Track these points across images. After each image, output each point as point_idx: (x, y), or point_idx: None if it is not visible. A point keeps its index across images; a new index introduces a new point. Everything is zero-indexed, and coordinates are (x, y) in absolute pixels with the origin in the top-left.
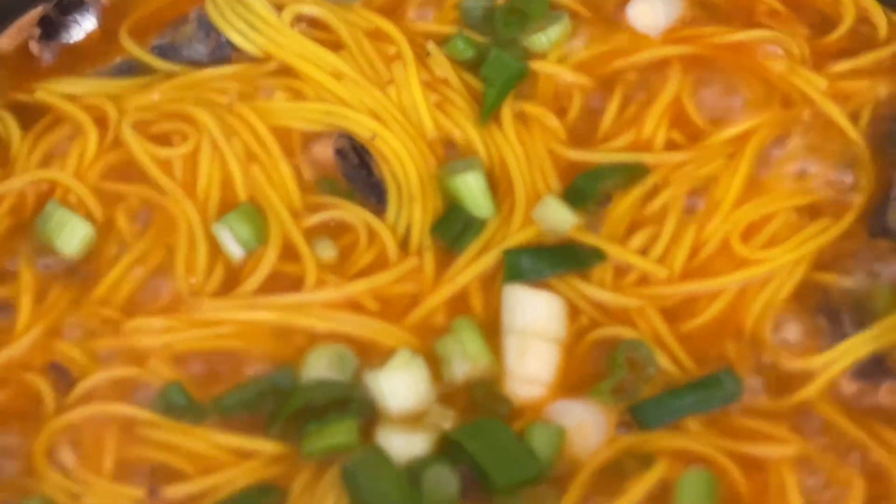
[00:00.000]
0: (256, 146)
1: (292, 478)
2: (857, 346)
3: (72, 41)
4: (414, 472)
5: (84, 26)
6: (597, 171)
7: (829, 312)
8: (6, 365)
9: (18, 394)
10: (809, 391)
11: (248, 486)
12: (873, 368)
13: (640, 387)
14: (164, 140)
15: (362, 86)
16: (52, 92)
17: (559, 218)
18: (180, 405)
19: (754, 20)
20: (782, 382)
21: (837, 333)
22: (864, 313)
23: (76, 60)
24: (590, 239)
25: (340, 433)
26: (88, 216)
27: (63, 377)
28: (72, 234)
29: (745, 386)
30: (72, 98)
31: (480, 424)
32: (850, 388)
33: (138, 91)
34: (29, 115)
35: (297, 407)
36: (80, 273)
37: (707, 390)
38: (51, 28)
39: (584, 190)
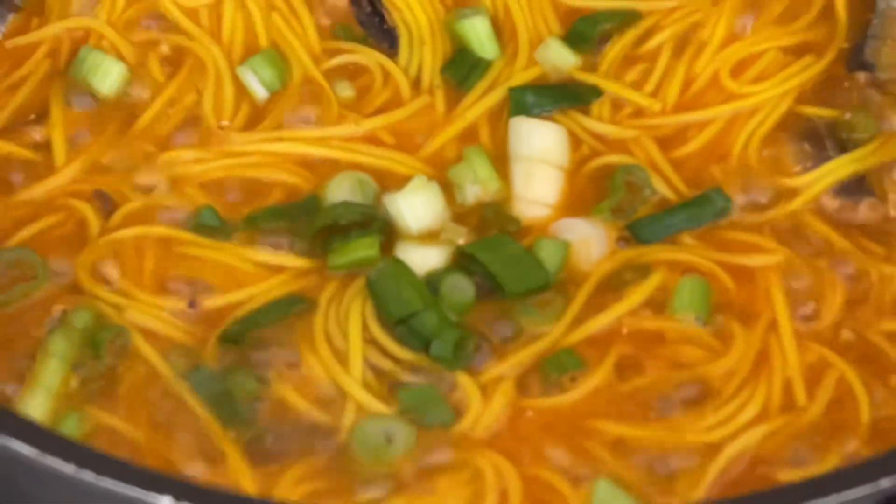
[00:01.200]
0: None
1: (320, 290)
2: (840, 167)
3: None
4: (432, 281)
5: None
6: (595, 16)
7: (812, 138)
8: (53, 193)
9: (67, 218)
10: (795, 204)
11: (279, 296)
12: (854, 187)
13: (637, 207)
14: None
15: None
16: None
17: (560, 58)
18: (213, 226)
19: None
20: (769, 199)
21: (821, 157)
22: (845, 139)
23: None
24: (588, 77)
25: (363, 248)
26: (121, 59)
27: (106, 203)
28: (107, 73)
29: (734, 203)
30: None
31: (492, 239)
32: (832, 204)
33: None
34: None
35: (322, 225)
36: (117, 112)
37: (699, 207)
38: None
39: (583, 32)
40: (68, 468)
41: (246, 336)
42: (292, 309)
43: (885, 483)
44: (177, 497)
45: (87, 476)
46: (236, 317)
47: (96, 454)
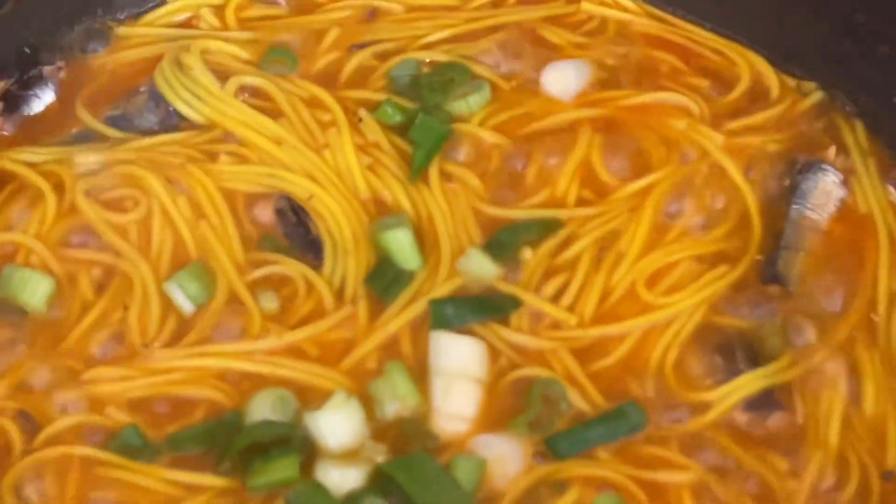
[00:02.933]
0: (206, 204)
1: None
2: (750, 382)
3: (32, 113)
4: (350, 503)
5: (43, 99)
6: (515, 226)
7: (724, 351)
8: None
9: None
10: (706, 420)
11: None
12: (763, 401)
13: (554, 420)
14: (117, 205)
15: (300, 150)
16: (14, 160)
17: (482, 269)
18: (136, 446)
19: (658, 82)
20: (682, 414)
21: (732, 370)
22: (756, 352)
23: (36, 131)
24: (508, 288)
25: (283, 468)
26: (51, 274)
27: (29, 423)
28: (35, 289)
29: (649, 418)
30: (31, 165)
31: (409, 458)
32: (742, 418)
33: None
34: None
35: (243, 445)
36: (45, 329)
37: (614, 421)
38: (12, 101)
39: (504, 242)
40: None
41: None
42: None
43: None
44: None
45: None
46: None
47: None
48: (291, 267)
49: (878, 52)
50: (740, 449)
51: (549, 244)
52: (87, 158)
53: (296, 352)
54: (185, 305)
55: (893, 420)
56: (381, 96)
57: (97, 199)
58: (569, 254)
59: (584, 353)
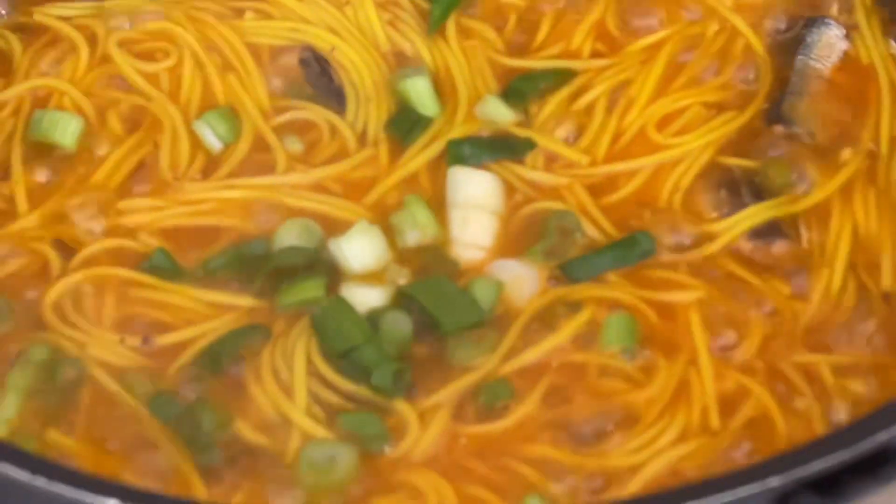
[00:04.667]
0: (233, 58)
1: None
2: (755, 214)
3: None
4: (373, 318)
5: None
6: (531, 74)
7: (730, 187)
8: (16, 239)
9: (30, 262)
10: (714, 247)
11: (235, 328)
12: (767, 230)
13: (568, 250)
14: (149, 56)
15: (322, 6)
16: (48, 14)
17: (498, 114)
18: (166, 268)
19: None
20: (691, 242)
21: (738, 203)
22: (762, 188)
23: None
24: (523, 132)
25: (310, 288)
26: (83, 116)
27: (65, 250)
28: (66, 128)
29: (659, 245)
30: (65, 19)
31: (429, 280)
32: (747, 246)
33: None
34: (29, 35)
35: (271, 268)
36: (78, 165)
37: (626, 248)
38: None
39: (520, 90)
40: (23, 475)
41: (216, 362)
42: (253, 336)
43: (773, 482)
44: (123, 500)
45: (40, 482)
46: (203, 346)
47: (48, 463)
48: (316, 112)
49: None
50: (746, 272)
51: (564, 92)
52: (119, 12)
53: (320, 188)
54: (214, 143)
55: (888, 247)
56: None
57: (129, 50)
58: (582, 101)
59: (597, 189)
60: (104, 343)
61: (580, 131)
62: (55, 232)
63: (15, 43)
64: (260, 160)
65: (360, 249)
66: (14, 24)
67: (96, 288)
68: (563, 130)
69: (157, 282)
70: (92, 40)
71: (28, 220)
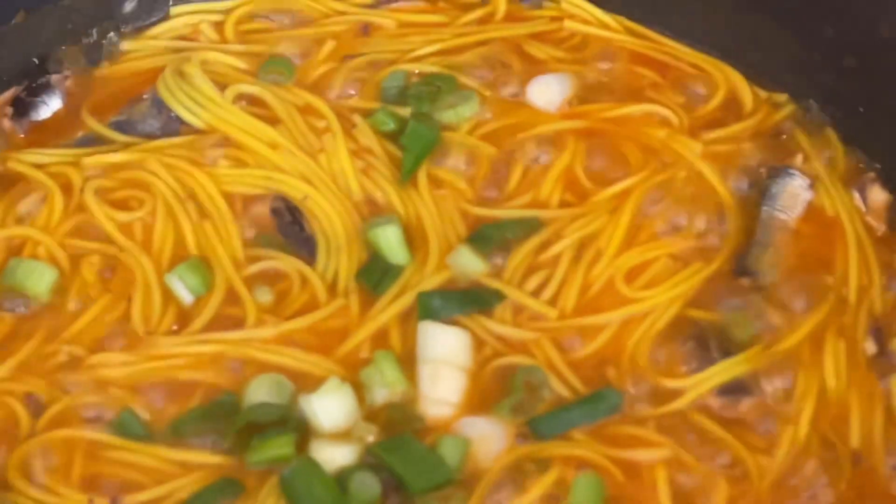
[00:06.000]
0: (209, 206)
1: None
2: (724, 370)
3: (40, 118)
4: (342, 478)
5: (51, 106)
6: (499, 223)
7: (698, 341)
8: None
9: (3, 418)
10: (681, 403)
11: (209, 484)
12: (735, 387)
13: (536, 405)
14: (122, 205)
15: (296, 154)
16: (23, 161)
17: (469, 264)
18: (134, 427)
19: (639, 93)
20: (657, 399)
21: (706, 359)
22: (729, 341)
23: (44, 135)
24: (493, 283)
25: (280, 446)
26: (57, 266)
27: (36, 405)
28: (40, 279)
29: (625, 402)
30: (40, 166)
31: (396, 439)
32: (715, 402)
33: (98, 154)
34: (2, 184)
35: (242, 424)
36: (48, 318)
37: (593, 404)
38: (21, 107)
39: (488, 237)
40: None
41: None
42: (226, 492)
43: None
44: None
45: None
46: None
47: None
48: (286, 262)
49: (845, 63)
50: (715, 425)
51: (532, 242)
52: (94, 160)
53: (290, 341)
54: (185, 296)
55: (855, 407)
56: (373, 104)
57: (104, 198)
58: (551, 252)
59: (564, 343)
60: None
61: (547, 283)
62: (25, 384)
63: None
64: (231, 313)
65: (330, 408)
66: None
67: (65, 447)
68: (532, 282)
69: (124, 443)
70: (66, 188)
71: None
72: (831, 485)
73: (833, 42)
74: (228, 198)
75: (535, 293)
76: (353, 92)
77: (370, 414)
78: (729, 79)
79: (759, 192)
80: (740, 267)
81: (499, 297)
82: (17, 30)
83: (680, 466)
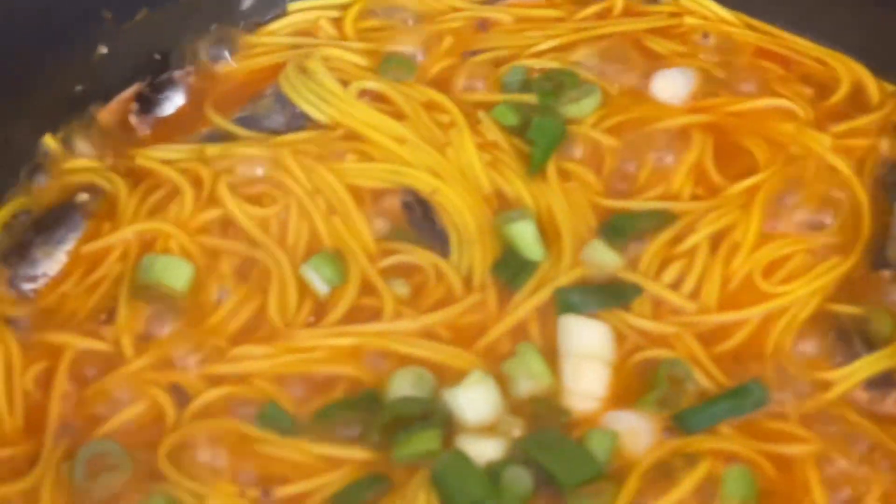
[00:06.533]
0: (335, 201)
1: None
2: (870, 364)
3: (164, 114)
4: (492, 472)
5: (175, 101)
6: (632, 214)
7: (841, 335)
8: (126, 385)
9: (146, 410)
10: (829, 397)
11: (357, 479)
12: (882, 381)
13: (680, 399)
14: (255, 200)
15: (423, 149)
16: (150, 158)
17: (604, 259)
18: (280, 420)
19: (764, 87)
20: (804, 394)
21: (850, 353)
22: (872, 335)
23: (169, 131)
24: (631, 276)
25: (426, 441)
26: (190, 259)
27: (181, 395)
28: (178, 273)
29: (771, 396)
30: (168, 162)
31: (545, 434)
32: (863, 396)
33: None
34: (133, 179)
35: (388, 418)
36: (185, 311)
37: (739, 398)
38: (146, 103)
39: (619, 227)
40: None
41: None
42: (374, 487)
43: None
44: None
45: None
46: (324, 497)
47: None
48: (421, 256)
49: None
50: (865, 419)
51: (666, 235)
52: (224, 154)
53: (429, 334)
54: (321, 287)
55: None
56: (497, 97)
57: (236, 193)
58: (686, 245)
59: (707, 338)
60: (224, 495)
61: (685, 276)
62: (169, 377)
63: (121, 186)
64: (367, 305)
65: (475, 401)
66: (119, 167)
67: (211, 439)
68: (669, 275)
69: (272, 437)
70: (196, 183)
71: (137, 364)
72: None
73: None
74: (356, 192)
75: (673, 286)
76: (475, 88)
77: (514, 406)
78: (854, 72)
79: (892, 185)
80: (879, 259)
81: (637, 291)
82: (139, 26)
83: (830, 460)
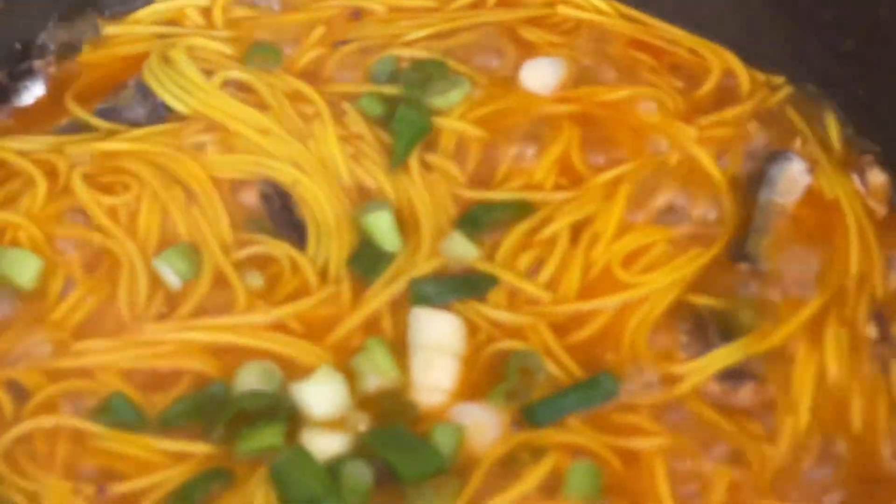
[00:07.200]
0: (198, 190)
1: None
2: (723, 356)
3: (22, 104)
4: (334, 467)
5: (34, 92)
6: (490, 205)
7: (698, 326)
8: None
9: None
10: (680, 389)
11: (197, 474)
12: (735, 373)
13: (531, 391)
14: (108, 190)
15: (286, 140)
16: (5, 148)
17: (463, 250)
18: (124, 413)
19: (632, 78)
20: (656, 385)
21: (706, 345)
22: (728, 327)
23: (27, 122)
24: (487, 267)
25: (269, 435)
26: (39, 253)
27: (19, 392)
28: (24, 268)
29: (622, 388)
30: (23, 153)
31: (387, 430)
32: (715, 388)
33: (84, 142)
34: None
35: (232, 413)
36: (33, 303)
37: (589, 390)
38: (3, 93)
39: (478, 218)
40: None
41: None
42: (215, 481)
43: None
44: None
45: None
46: (161, 495)
47: None
48: (276, 247)
49: (843, 46)
50: (715, 413)
51: (525, 225)
52: (80, 147)
53: (281, 328)
54: (173, 281)
55: (856, 393)
56: (362, 88)
57: (90, 183)
58: (545, 234)
59: (561, 327)
60: (58, 492)
61: (541, 264)
62: (8, 372)
63: None
64: (220, 297)
65: (322, 396)
66: None
67: (49, 435)
68: (523, 261)
69: (110, 432)
70: (51, 175)
71: None
72: (834, 473)
73: (832, 25)
74: (216, 183)
75: (530, 276)
76: (343, 78)
77: (362, 402)
78: (725, 62)
79: (755, 176)
80: (739, 252)
81: (493, 281)
82: (0, 15)
83: (678, 454)
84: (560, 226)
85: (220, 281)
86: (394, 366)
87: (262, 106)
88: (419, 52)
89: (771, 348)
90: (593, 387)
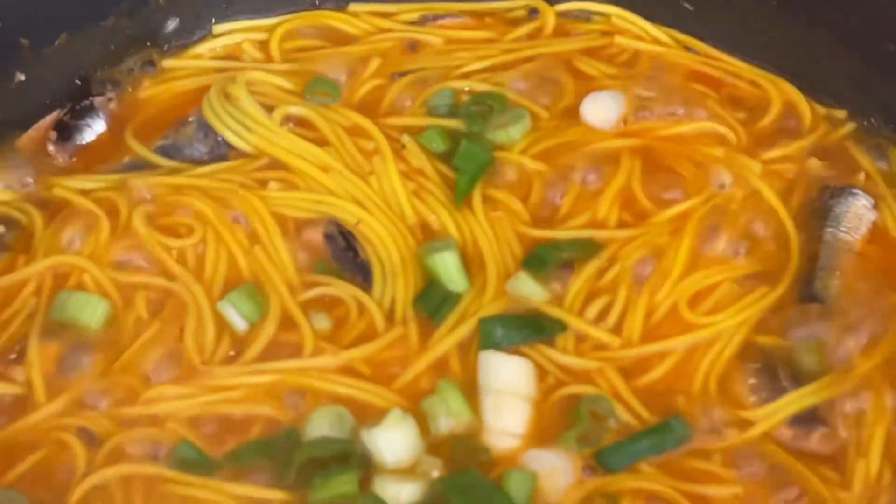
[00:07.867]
0: (260, 229)
1: None
2: (794, 401)
3: (84, 142)
4: None
5: (95, 129)
6: (556, 244)
7: (767, 369)
8: (36, 430)
9: (54, 455)
10: (753, 433)
11: None
12: (807, 417)
13: (602, 436)
14: (171, 231)
15: (347, 177)
16: (67, 188)
17: (529, 291)
18: (193, 460)
19: (694, 112)
20: (727, 429)
21: (776, 388)
22: (798, 369)
23: (89, 160)
24: (554, 312)
25: (343, 483)
26: (105, 296)
27: (91, 439)
28: (93, 311)
29: (694, 432)
30: (85, 192)
31: (461, 476)
32: (786, 433)
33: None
34: (48, 210)
35: (304, 459)
36: (101, 349)
37: (661, 434)
38: (65, 131)
39: (544, 258)
40: None
41: None
42: None
43: None
44: None
45: None
46: None
47: None
48: (342, 289)
49: None
50: (789, 457)
51: (591, 266)
52: (141, 185)
53: (349, 371)
54: (239, 324)
55: None
56: (423, 121)
57: (152, 224)
58: (610, 275)
59: (630, 371)
60: None
61: (609, 309)
62: (79, 419)
63: (37, 218)
64: (287, 340)
65: (394, 442)
66: (36, 197)
67: (124, 483)
68: (594, 308)
69: (185, 477)
70: (112, 214)
71: (49, 409)
72: None
73: (894, 57)
74: (281, 221)
75: (597, 320)
76: (402, 111)
77: (433, 446)
78: (786, 94)
79: (821, 213)
80: (807, 293)
81: (561, 327)
82: (59, 51)
83: (751, 500)
84: (625, 266)
85: (287, 323)
86: (467, 408)
87: (321, 142)
88: (478, 85)
89: (842, 392)
90: (665, 431)
